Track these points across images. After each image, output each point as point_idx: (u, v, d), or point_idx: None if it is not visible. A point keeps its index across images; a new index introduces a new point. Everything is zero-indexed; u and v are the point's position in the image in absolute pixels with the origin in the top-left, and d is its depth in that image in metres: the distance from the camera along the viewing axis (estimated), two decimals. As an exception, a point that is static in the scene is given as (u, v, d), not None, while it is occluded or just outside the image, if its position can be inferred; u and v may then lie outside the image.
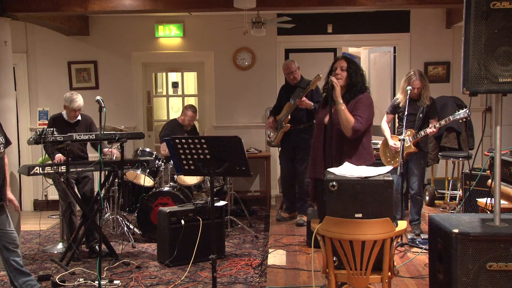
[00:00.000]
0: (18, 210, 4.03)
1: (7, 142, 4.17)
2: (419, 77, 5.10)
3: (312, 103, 5.63)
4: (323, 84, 4.06)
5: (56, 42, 7.37)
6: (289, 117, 5.82)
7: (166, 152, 5.71)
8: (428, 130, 5.05)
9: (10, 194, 3.97)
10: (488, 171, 4.09)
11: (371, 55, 8.06)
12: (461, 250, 2.68)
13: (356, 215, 2.99)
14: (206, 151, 3.52)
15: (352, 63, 3.90)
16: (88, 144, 5.34)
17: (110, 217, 5.99)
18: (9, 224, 3.92)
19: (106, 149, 5.24)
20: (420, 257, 4.61)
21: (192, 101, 7.89)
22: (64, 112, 5.22)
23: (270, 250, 4.99)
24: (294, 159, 5.96)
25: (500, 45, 2.66)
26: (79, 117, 5.23)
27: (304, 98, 5.61)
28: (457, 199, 6.43)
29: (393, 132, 5.86)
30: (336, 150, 3.74)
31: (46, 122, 6.35)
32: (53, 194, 6.74)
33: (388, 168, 3.13)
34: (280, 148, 6.20)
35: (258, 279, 4.42)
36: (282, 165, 6.16)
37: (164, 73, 7.93)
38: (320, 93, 5.69)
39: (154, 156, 5.84)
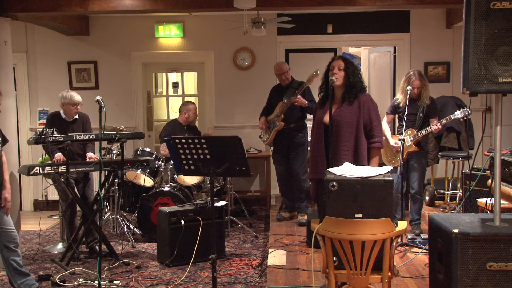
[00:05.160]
0: (8, 213, 3.96)
1: (4, 140, 4.16)
2: (418, 77, 5.11)
3: (306, 101, 5.75)
4: (320, 84, 4.08)
5: (56, 42, 7.37)
6: (283, 116, 5.89)
7: (166, 153, 5.71)
8: (433, 127, 5.06)
9: (5, 194, 3.93)
10: (488, 171, 4.09)
11: (371, 55, 8.06)
12: (461, 250, 2.68)
13: (356, 215, 2.99)
14: (206, 151, 3.52)
15: (350, 63, 3.91)
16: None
17: (110, 217, 5.99)
18: (9, 223, 3.92)
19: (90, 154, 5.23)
20: (420, 257, 4.61)
21: (192, 101, 7.89)
22: (61, 111, 5.21)
23: (270, 250, 4.99)
24: (289, 158, 6.02)
25: (500, 45, 2.66)
26: (76, 116, 5.22)
27: (299, 96, 5.69)
28: (457, 199, 6.43)
29: (393, 132, 5.87)
30: (342, 149, 3.77)
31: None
32: (53, 194, 6.74)
33: (388, 168, 3.13)
34: (272, 148, 6.27)
35: (258, 279, 4.42)
36: (277, 165, 6.21)
37: (164, 73, 7.92)
38: (311, 92, 5.81)
39: (154, 156, 5.84)
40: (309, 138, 5.47)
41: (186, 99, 7.90)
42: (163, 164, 5.89)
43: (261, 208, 7.22)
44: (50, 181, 5.34)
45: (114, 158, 5.62)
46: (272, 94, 6.25)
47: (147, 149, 5.98)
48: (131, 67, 7.48)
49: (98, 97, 4.09)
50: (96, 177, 5.95)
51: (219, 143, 3.51)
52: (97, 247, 5.02)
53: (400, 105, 5.21)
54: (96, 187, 5.68)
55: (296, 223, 5.99)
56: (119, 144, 4.81)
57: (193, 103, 6.40)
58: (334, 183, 3.02)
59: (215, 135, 5.19)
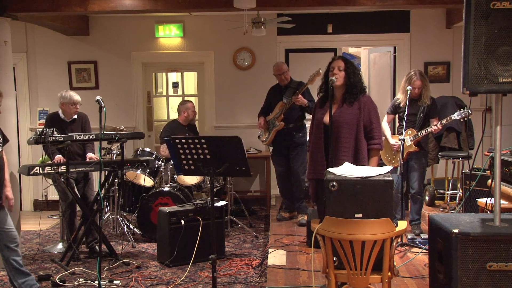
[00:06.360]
0: (11, 210, 3.99)
1: (5, 140, 4.17)
2: (419, 77, 5.11)
3: (307, 101, 5.74)
4: (320, 84, 4.09)
5: (56, 42, 7.37)
6: (282, 116, 5.89)
7: (166, 153, 5.70)
8: (433, 128, 5.06)
9: (7, 192, 3.95)
10: (488, 171, 4.09)
11: (371, 55, 8.06)
12: (461, 250, 2.68)
13: (356, 215, 2.99)
14: (206, 151, 3.52)
15: (350, 64, 3.92)
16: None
17: (110, 217, 5.99)
18: (9, 222, 3.92)
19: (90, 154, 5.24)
20: (420, 257, 4.61)
21: (192, 101, 7.88)
22: (60, 111, 5.21)
23: (270, 250, 4.99)
24: (289, 158, 6.03)
25: (500, 45, 2.66)
26: (75, 116, 5.22)
27: (300, 96, 5.69)
28: (457, 199, 6.43)
29: (393, 132, 5.87)
30: (342, 149, 3.78)
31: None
32: (53, 194, 6.74)
33: (388, 168, 3.14)
34: (272, 149, 6.27)
35: (258, 279, 4.42)
36: (277, 165, 6.21)
37: (164, 73, 7.93)
38: (310, 92, 5.82)
39: (154, 156, 5.84)
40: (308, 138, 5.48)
41: (186, 99, 7.92)
42: (163, 164, 5.89)
43: (261, 208, 7.22)
44: (50, 181, 5.34)
45: (114, 158, 5.62)
46: (270, 94, 6.25)
47: (147, 149, 5.98)
48: (131, 67, 7.48)
49: (98, 97, 4.09)
50: (96, 177, 5.95)
51: (219, 143, 3.51)
52: (97, 247, 5.02)
53: (401, 105, 5.21)
54: (96, 187, 5.68)
55: (296, 223, 5.99)
56: (119, 144, 4.81)
57: (191, 101, 6.40)
58: (334, 183, 3.02)
59: (215, 135, 5.19)
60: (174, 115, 7.17)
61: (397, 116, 5.43)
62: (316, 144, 3.93)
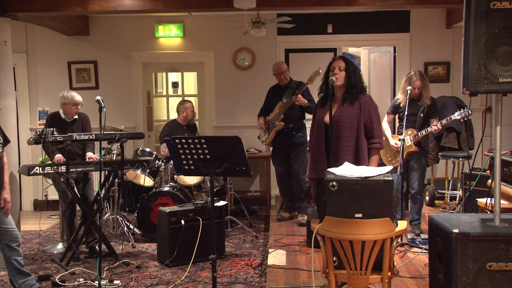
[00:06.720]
0: (8, 213, 3.94)
1: (6, 141, 4.16)
2: (419, 77, 5.11)
3: (307, 101, 5.75)
4: (320, 84, 4.09)
5: (56, 42, 7.37)
6: (282, 116, 5.89)
7: (166, 153, 5.71)
8: (433, 128, 5.06)
9: (5, 194, 3.92)
10: (488, 171, 4.10)
11: (371, 55, 8.06)
12: (461, 250, 2.68)
13: (356, 215, 2.99)
14: (206, 151, 3.52)
15: (350, 63, 3.92)
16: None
17: (110, 217, 5.99)
18: (10, 222, 3.92)
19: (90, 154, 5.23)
20: (420, 257, 4.61)
21: (192, 101, 7.88)
22: (61, 111, 5.21)
23: (270, 250, 4.99)
24: (289, 158, 6.03)
25: (500, 45, 2.66)
26: (76, 116, 5.22)
27: (300, 95, 5.69)
28: (457, 199, 6.43)
29: (393, 132, 5.87)
30: (342, 149, 3.78)
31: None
32: (53, 194, 6.73)
33: (388, 168, 3.14)
34: (272, 149, 6.27)
35: (258, 279, 4.42)
36: (277, 165, 6.21)
37: (164, 73, 7.93)
38: (310, 92, 5.82)
39: (154, 156, 5.84)
40: (308, 138, 5.47)
41: (185, 99, 7.91)
42: (163, 164, 5.89)
43: (261, 208, 7.22)
44: (50, 181, 5.34)
45: (114, 158, 5.62)
46: (270, 94, 6.25)
47: (147, 149, 5.98)
48: (131, 67, 7.48)
49: (98, 97, 4.09)
50: (96, 177, 5.95)
51: (219, 143, 3.51)
52: (97, 247, 5.02)
53: (401, 105, 5.21)
54: (96, 187, 5.68)
55: (296, 223, 5.99)
56: (119, 144, 4.81)
57: (190, 101, 6.39)
58: (334, 183, 3.02)
59: (215, 135, 5.20)
60: (174, 115, 7.16)
61: (397, 116, 5.43)
62: (317, 144, 3.93)
